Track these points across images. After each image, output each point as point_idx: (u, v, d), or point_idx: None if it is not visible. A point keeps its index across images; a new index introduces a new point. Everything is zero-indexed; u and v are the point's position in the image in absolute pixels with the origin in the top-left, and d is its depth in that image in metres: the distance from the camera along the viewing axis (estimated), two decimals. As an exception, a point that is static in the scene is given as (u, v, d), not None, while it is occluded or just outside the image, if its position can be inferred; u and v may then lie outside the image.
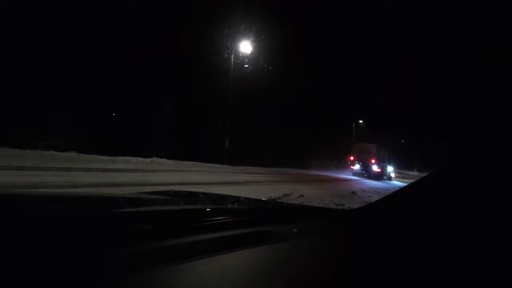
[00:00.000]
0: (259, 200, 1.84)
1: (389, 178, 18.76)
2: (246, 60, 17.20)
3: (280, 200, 5.51)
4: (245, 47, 16.85)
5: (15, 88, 12.64)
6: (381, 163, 18.01)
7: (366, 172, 17.50)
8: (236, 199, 1.65)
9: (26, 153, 8.81)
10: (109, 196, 1.76)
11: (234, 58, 16.77)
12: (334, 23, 30.93)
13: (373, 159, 17.45)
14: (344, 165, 20.78)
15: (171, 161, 12.91)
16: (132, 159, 11.41)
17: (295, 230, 1.01)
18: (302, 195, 6.56)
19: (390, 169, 19.30)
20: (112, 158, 10.72)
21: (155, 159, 12.79)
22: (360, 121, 35.70)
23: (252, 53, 17.13)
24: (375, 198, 6.12)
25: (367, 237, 1.08)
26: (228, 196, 1.71)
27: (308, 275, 0.71)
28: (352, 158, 18.59)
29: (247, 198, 1.77)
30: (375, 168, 17.56)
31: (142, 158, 11.91)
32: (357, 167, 18.14)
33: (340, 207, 5.15)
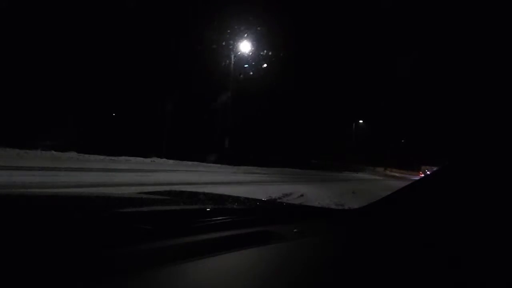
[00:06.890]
0: (259, 200, 1.84)
1: None
2: (248, 59, 17.19)
3: (280, 200, 5.52)
4: (245, 47, 16.87)
5: (15, 88, 12.63)
6: None
7: None
8: (236, 199, 1.65)
9: (26, 153, 8.81)
10: (109, 196, 1.76)
11: (234, 58, 16.77)
12: (334, 23, 31.10)
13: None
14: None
15: (171, 161, 12.91)
16: (132, 159, 11.41)
17: (295, 230, 1.00)
18: (302, 195, 6.56)
19: None
20: (112, 158, 10.71)
21: (155, 159, 12.79)
22: (360, 121, 36.36)
23: (252, 53, 17.14)
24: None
25: (368, 236, 1.08)
26: (228, 196, 1.70)
27: (308, 275, 0.71)
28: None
29: (247, 198, 1.76)
30: None
31: (142, 158, 11.90)
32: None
33: (340, 207, 5.15)
